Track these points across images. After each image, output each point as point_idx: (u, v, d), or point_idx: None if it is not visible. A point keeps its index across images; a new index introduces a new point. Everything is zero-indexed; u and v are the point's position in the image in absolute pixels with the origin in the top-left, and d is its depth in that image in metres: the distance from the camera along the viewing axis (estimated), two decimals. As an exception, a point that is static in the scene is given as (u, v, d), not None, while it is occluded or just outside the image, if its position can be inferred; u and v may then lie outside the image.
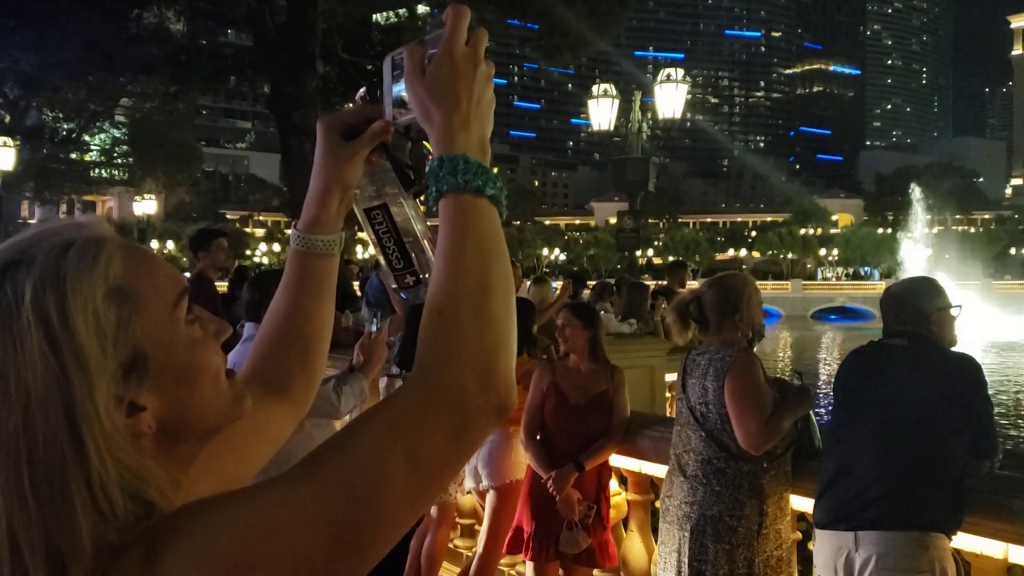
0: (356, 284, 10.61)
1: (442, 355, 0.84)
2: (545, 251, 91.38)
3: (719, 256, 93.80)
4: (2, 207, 20.02)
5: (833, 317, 64.47)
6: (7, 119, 28.00)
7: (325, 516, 0.72)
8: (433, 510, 4.93)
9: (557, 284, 9.30)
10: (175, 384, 0.82)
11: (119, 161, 34.43)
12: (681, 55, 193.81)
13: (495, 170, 0.96)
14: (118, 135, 32.88)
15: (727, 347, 3.42)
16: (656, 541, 4.20)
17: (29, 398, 0.73)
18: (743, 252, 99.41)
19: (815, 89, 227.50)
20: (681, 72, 13.89)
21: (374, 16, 17.42)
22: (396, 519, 0.77)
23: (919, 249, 70.54)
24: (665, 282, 10.77)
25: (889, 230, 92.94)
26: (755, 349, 3.56)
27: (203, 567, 0.68)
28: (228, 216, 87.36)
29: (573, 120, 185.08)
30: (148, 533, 0.73)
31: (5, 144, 21.37)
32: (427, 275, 1.07)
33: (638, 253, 15.64)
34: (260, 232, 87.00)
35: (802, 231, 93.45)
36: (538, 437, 4.31)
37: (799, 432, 3.40)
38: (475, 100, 0.95)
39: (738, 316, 3.46)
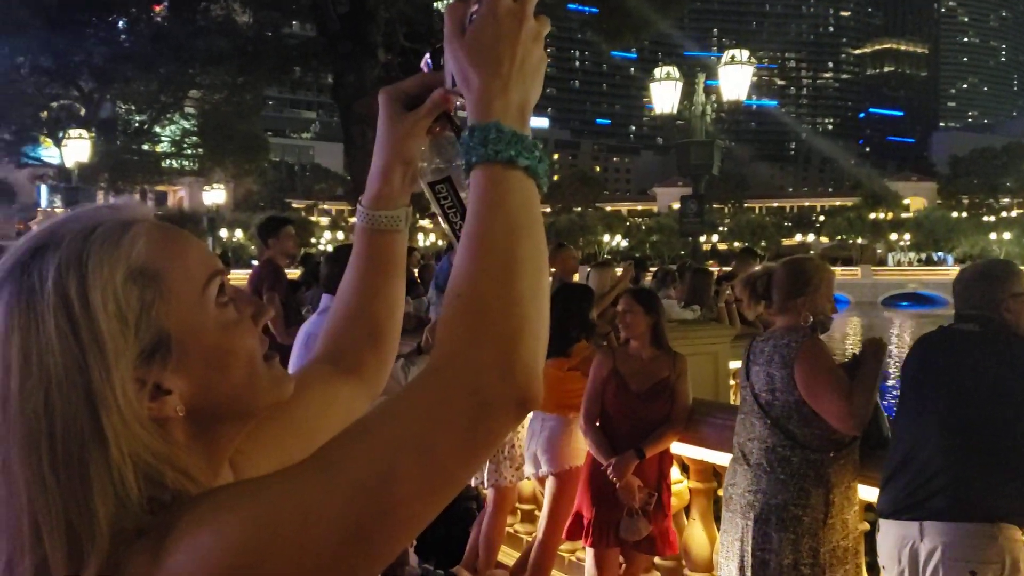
0: (416, 271, 10.69)
1: (459, 342, 0.77)
2: (606, 237, 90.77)
3: (786, 241, 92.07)
4: (78, 197, 20.60)
5: (904, 304, 62.88)
6: (82, 112, 28.88)
7: (332, 510, 0.69)
8: (490, 494, 4.96)
9: (619, 269, 9.23)
10: (204, 367, 0.82)
11: (189, 152, 35.17)
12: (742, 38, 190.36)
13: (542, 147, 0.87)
14: (188, 126, 33.57)
15: (791, 332, 3.36)
16: (719, 530, 4.20)
17: (50, 380, 0.73)
18: (811, 237, 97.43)
19: (886, 69, 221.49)
20: (746, 53, 13.66)
21: (435, 3, 17.50)
22: (408, 515, 0.72)
23: (996, 233, 68.34)
24: (730, 268, 10.63)
25: (964, 214, 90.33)
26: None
27: (208, 557, 0.67)
28: (294, 205, 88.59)
29: (616, 105, 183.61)
30: (164, 520, 0.72)
31: (81, 136, 22.06)
32: None
33: (702, 239, 15.46)
34: (325, 220, 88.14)
35: (872, 215, 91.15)
36: (598, 424, 4.29)
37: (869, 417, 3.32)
38: (518, 61, 0.87)
39: (803, 299, 3.39)
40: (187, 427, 0.82)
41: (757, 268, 3.76)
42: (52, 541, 0.72)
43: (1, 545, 0.74)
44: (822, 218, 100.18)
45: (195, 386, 0.81)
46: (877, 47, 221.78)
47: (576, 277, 7.98)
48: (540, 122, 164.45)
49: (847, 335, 39.62)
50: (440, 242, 49.25)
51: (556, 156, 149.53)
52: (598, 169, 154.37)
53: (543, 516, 4.80)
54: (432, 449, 0.72)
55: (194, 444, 0.82)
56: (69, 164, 22.29)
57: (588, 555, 4.31)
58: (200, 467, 0.82)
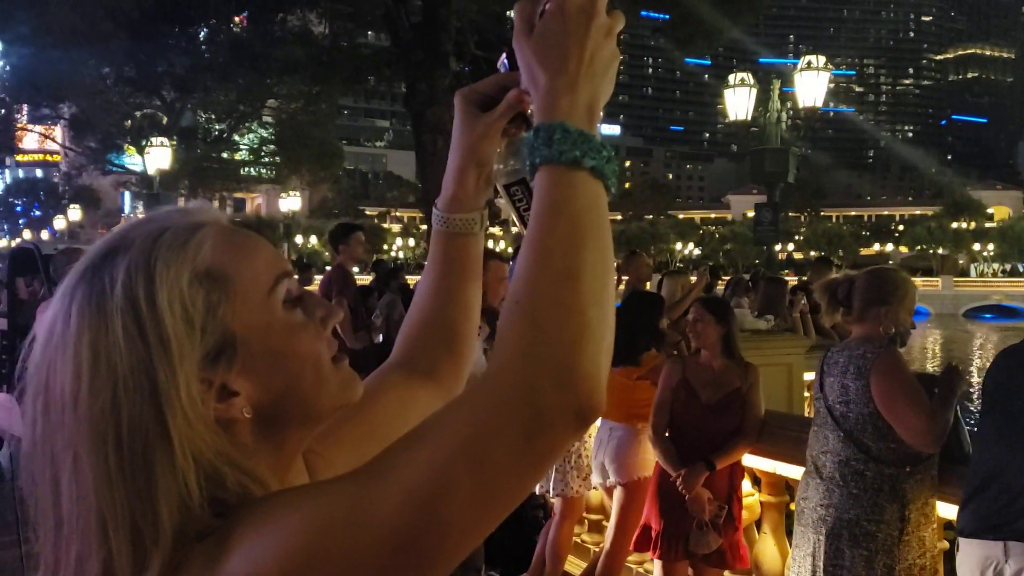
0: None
1: (515, 349, 0.73)
2: (679, 245, 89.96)
3: (864, 251, 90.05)
4: (160, 204, 21.23)
5: (988, 316, 60.88)
6: (164, 121, 29.77)
7: (384, 519, 0.68)
8: (557, 504, 4.93)
9: (693, 276, 9.10)
10: (270, 370, 0.82)
11: (266, 160, 35.93)
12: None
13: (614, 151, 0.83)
14: (265, 135, 34.34)
15: (867, 343, 3.26)
16: (791, 544, 4.09)
17: (117, 380, 0.74)
18: (889, 247, 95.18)
19: (969, 75, 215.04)
20: (823, 59, 13.41)
21: (508, 12, 17.55)
22: (461, 527, 0.69)
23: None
24: (806, 277, 10.42)
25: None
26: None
27: (261, 563, 0.67)
28: (367, 212, 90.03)
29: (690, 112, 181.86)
30: (227, 523, 0.73)
31: (163, 144, 22.76)
32: None
33: (777, 247, 15.20)
34: (396, 228, 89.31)
35: (954, 224, 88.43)
36: (667, 434, 4.22)
37: (947, 435, 3.20)
38: (587, 58, 0.83)
39: (885, 309, 3.29)
40: (254, 429, 0.82)
41: (837, 275, 3.67)
42: (117, 540, 0.73)
43: (73, 542, 0.75)
44: (901, 227, 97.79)
45: (261, 388, 0.82)
46: (960, 52, 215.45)
47: (648, 285, 7.90)
48: (612, 129, 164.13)
49: (926, 348, 38.53)
50: (510, 248, 49.39)
51: (628, 163, 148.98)
52: (670, 176, 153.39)
53: (611, 527, 4.76)
54: (485, 460, 0.69)
55: (261, 446, 0.83)
56: (151, 171, 23.00)
57: (657, 567, 4.25)
58: (266, 469, 0.82)
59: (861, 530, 3.13)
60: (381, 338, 8.08)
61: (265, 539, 0.69)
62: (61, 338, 0.77)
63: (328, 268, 7.11)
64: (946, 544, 3.38)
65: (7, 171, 56.10)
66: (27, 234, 47.89)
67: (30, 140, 44.32)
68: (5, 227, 59.68)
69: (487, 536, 0.72)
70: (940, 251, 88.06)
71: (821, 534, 3.23)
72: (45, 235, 47.52)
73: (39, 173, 67.23)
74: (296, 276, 0.88)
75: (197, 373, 0.77)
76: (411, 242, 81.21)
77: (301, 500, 0.72)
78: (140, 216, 0.86)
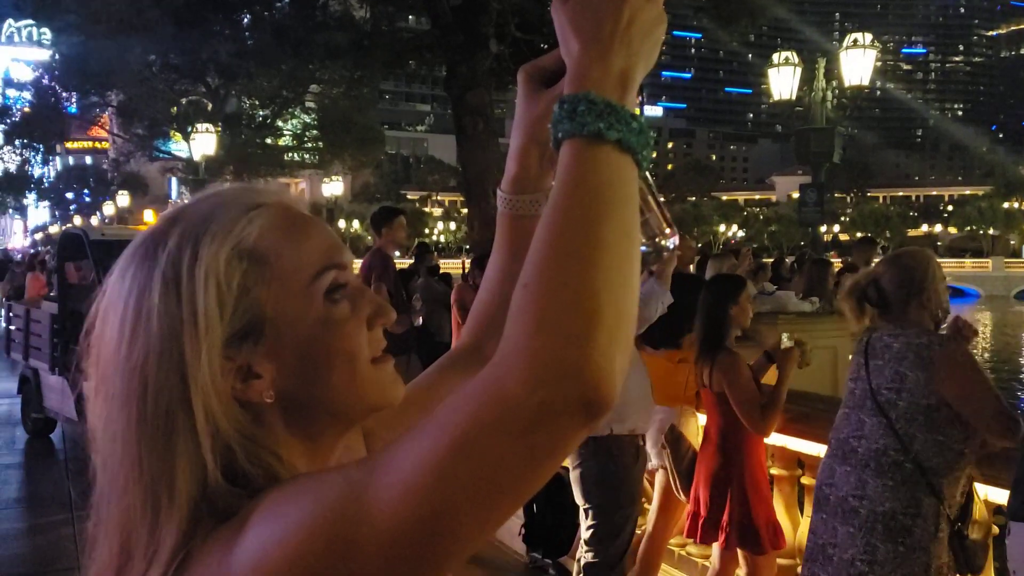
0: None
1: (520, 336, 0.66)
2: (722, 227, 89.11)
3: (911, 232, 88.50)
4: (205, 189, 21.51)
5: (1040, 297, 59.58)
6: (209, 107, 30.09)
7: (384, 510, 0.65)
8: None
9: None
10: (298, 359, 0.81)
11: (309, 145, 36.12)
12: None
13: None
14: (308, 120, 34.51)
15: (927, 333, 3.09)
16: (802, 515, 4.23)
17: (150, 343, 0.76)
18: (938, 228, 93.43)
19: (1023, 51, 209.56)
20: (869, 36, 13.13)
21: (548, -7, 17.42)
22: (461, 523, 0.66)
23: None
24: (851, 259, 10.27)
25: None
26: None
27: (268, 547, 0.67)
28: (408, 196, 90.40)
29: (732, 90, 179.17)
30: (250, 503, 0.73)
31: (208, 130, 23.05)
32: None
33: (822, 229, 14.98)
34: (438, 211, 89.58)
35: (1005, 204, 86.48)
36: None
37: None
38: (623, 23, 0.77)
39: (925, 296, 3.13)
40: (283, 416, 0.82)
41: (858, 276, 3.47)
42: (134, 496, 0.76)
43: (115, 491, 0.78)
44: (951, 208, 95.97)
45: (287, 376, 0.81)
46: (1013, 28, 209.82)
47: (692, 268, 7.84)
48: (654, 110, 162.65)
49: (977, 329, 37.80)
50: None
51: (671, 144, 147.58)
52: (713, 158, 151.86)
53: (652, 509, 4.75)
54: (485, 454, 0.65)
55: (294, 433, 0.82)
56: (197, 157, 23.32)
57: (714, 554, 4.24)
58: (300, 456, 0.82)
59: (897, 524, 2.98)
60: (420, 321, 8.12)
61: (274, 523, 0.69)
62: (116, 294, 0.80)
63: (367, 251, 7.12)
64: (996, 529, 3.30)
65: (58, 158, 57.29)
66: (77, 220, 48.78)
67: (79, 127, 45.05)
68: (57, 213, 60.89)
69: (495, 529, 0.70)
70: (991, 231, 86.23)
71: (851, 526, 3.07)
72: (95, 221, 48.36)
73: (88, 160, 68.45)
74: (350, 269, 0.86)
75: (221, 349, 0.77)
76: (452, 226, 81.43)
77: (310, 487, 0.71)
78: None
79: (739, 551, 4.08)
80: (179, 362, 0.76)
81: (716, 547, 4.17)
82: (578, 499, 4.17)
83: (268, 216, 0.82)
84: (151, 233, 0.82)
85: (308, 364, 0.81)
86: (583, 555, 4.15)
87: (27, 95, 34.78)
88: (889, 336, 3.16)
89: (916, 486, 2.99)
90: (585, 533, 4.15)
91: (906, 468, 3.00)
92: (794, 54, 13.83)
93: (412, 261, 11.18)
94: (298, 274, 0.81)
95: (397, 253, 7.36)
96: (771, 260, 14.11)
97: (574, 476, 4.11)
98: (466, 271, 10.00)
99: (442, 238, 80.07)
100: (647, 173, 0.81)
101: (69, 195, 58.03)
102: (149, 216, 43.36)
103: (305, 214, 0.86)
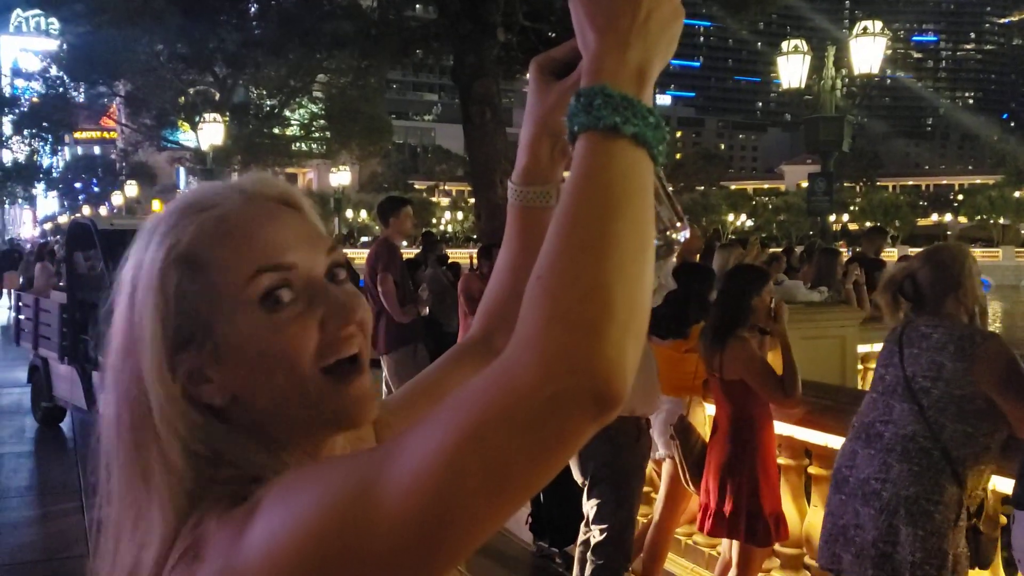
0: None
1: (531, 328, 0.66)
2: (731, 217, 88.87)
3: (921, 221, 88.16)
4: (213, 179, 21.55)
5: (1051, 287, 59.32)
6: (217, 97, 30.14)
7: (393, 500, 0.65)
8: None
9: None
10: (240, 364, 0.80)
11: (316, 135, 36.11)
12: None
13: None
14: (316, 110, 34.52)
15: (968, 325, 3.13)
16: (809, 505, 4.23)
17: (122, 345, 0.82)
18: (948, 217, 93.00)
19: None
20: (879, 24, 13.06)
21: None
22: (470, 515, 0.65)
23: None
24: (859, 248, 10.24)
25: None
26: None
27: (278, 537, 0.68)
28: (416, 186, 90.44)
29: (740, 78, 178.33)
30: (260, 491, 0.73)
31: (215, 120, 23.04)
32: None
33: (831, 218, 14.94)
34: (445, 201, 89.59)
35: (1016, 193, 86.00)
36: None
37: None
38: (641, 17, 0.76)
39: (961, 291, 3.16)
40: (244, 418, 0.82)
41: (890, 266, 3.50)
42: (123, 486, 0.81)
43: (114, 481, 0.83)
44: (960, 197, 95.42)
45: (234, 380, 0.81)
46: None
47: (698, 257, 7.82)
48: (663, 99, 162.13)
49: (988, 320, 37.66)
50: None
51: (679, 134, 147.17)
52: (722, 147, 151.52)
53: (659, 499, 4.75)
54: (494, 446, 0.64)
55: (257, 436, 0.82)
56: (204, 147, 23.32)
57: (733, 548, 4.21)
58: (264, 454, 0.82)
59: (919, 508, 3.02)
60: (427, 311, 8.12)
61: (283, 512, 0.69)
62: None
63: (374, 241, 7.11)
64: (1004, 519, 3.30)
65: (66, 148, 57.43)
66: (86, 210, 48.95)
67: (87, 117, 45.18)
68: (65, 203, 61.12)
69: (504, 521, 0.69)
70: (1001, 221, 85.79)
71: (872, 507, 3.12)
72: (103, 211, 48.51)
73: (96, 150, 68.62)
74: (311, 267, 0.84)
75: (163, 353, 0.79)
76: (459, 215, 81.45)
77: (321, 475, 0.71)
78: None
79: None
80: (136, 363, 0.80)
81: (734, 543, 4.15)
82: (577, 476, 4.18)
83: (210, 219, 0.82)
84: (143, 231, 0.85)
85: (248, 369, 0.80)
86: (589, 535, 4.15)
87: (35, 85, 34.84)
88: (927, 327, 3.18)
89: (941, 473, 3.03)
90: (590, 511, 4.15)
91: (933, 455, 3.04)
92: (803, 42, 13.78)
93: (419, 251, 11.17)
94: (231, 278, 0.80)
95: (404, 243, 7.35)
96: (780, 249, 14.07)
97: (573, 456, 4.11)
98: (473, 261, 10.00)
99: (449, 228, 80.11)
100: None
101: (78, 185, 58.26)
102: (157, 206, 43.47)
103: (257, 212, 0.84)
